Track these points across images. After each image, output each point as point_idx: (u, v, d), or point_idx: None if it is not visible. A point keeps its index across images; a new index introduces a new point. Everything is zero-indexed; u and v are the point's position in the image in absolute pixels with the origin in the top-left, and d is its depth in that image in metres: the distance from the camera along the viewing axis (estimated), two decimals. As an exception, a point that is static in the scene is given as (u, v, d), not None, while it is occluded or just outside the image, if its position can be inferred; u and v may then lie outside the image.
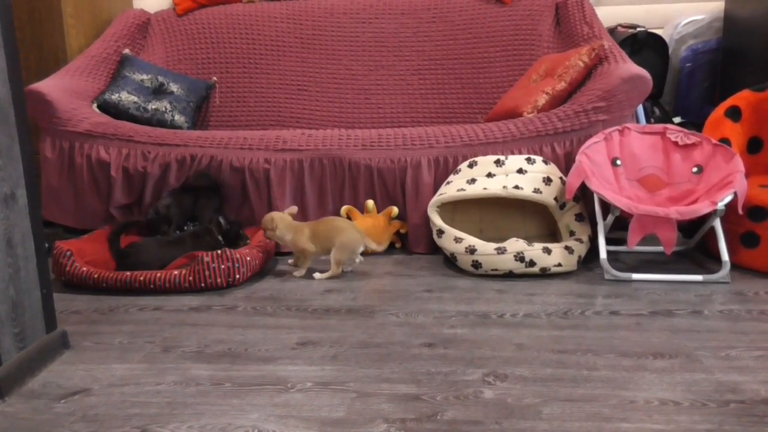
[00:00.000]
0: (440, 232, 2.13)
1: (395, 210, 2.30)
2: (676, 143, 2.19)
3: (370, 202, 2.31)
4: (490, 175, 2.17)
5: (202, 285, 1.95)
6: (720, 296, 1.86)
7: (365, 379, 1.41)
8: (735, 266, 2.03)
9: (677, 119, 3.07)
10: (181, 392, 1.37)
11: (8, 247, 1.41)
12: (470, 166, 2.22)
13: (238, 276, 1.99)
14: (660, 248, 2.14)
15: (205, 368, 1.47)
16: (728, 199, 1.94)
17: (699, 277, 1.97)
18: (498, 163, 2.19)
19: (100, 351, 1.58)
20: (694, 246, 2.21)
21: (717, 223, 1.99)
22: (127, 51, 2.92)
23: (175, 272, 1.94)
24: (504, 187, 2.13)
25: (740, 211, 1.97)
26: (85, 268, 1.96)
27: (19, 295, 1.44)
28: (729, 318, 1.71)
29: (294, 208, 2.15)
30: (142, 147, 2.43)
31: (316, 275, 2.00)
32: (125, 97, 2.70)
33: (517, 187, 2.13)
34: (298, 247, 2.09)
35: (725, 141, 2.22)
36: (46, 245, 1.59)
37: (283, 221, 2.08)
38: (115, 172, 2.42)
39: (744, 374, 1.40)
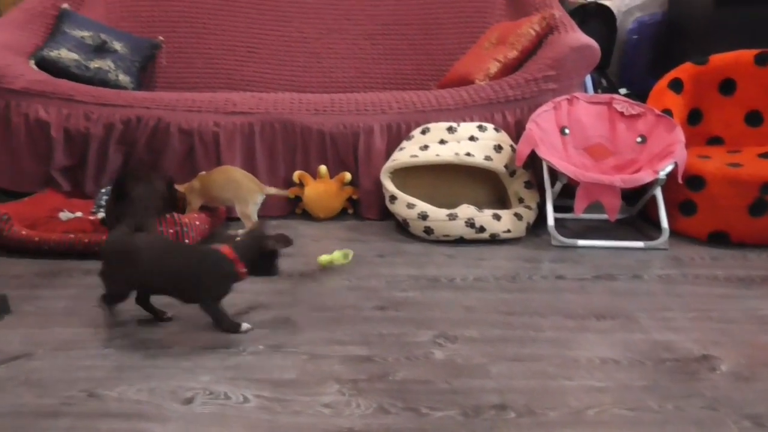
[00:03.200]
0: (393, 198, 2.14)
1: (348, 176, 2.29)
2: (621, 113, 2.25)
3: (323, 168, 2.29)
4: (442, 141, 2.18)
5: (150, 249, 1.90)
6: (659, 261, 1.94)
7: (317, 341, 1.42)
8: (673, 233, 2.11)
9: (623, 90, 3.14)
10: (129, 356, 1.34)
11: (-59, 208, 1.34)
12: (423, 132, 2.22)
13: (186, 240, 1.96)
14: (605, 216, 2.20)
15: (154, 332, 1.45)
16: (669, 168, 2.01)
17: (640, 244, 2.05)
18: (450, 130, 2.20)
19: (42, 315, 1.53)
20: (636, 213, 2.29)
21: (658, 192, 2.07)
22: (65, 5, 2.77)
23: (121, 236, 1.89)
24: (456, 154, 2.15)
25: (680, 180, 2.05)
26: (24, 232, 1.89)
27: (-47, 258, 1.38)
28: (666, 282, 1.79)
29: None
30: (84, 107, 2.33)
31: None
32: (65, 55, 2.57)
33: (468, 154, 2.15)
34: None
35: (668, 112, 2.29)
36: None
37: None
38: (56, 133, 2.32)
39: (678, 334, 1.47)
